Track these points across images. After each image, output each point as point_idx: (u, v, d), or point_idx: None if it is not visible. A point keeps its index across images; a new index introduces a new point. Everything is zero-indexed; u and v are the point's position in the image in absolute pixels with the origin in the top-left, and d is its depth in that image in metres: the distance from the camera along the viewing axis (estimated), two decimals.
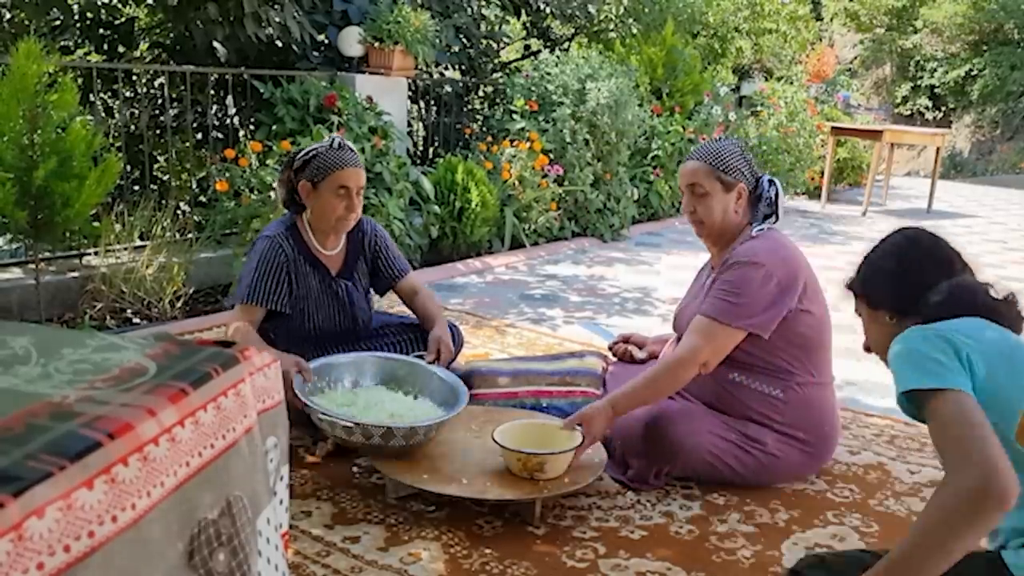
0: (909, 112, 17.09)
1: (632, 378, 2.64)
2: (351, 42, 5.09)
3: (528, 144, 5.61)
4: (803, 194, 9.36)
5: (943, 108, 16.79)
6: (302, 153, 2.52)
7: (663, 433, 2.23)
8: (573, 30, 8.07)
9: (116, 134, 4.53)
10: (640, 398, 2.24)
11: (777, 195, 2.36)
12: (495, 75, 7.27)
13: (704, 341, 2.20)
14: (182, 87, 4.56)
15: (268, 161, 4.20)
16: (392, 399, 2.37)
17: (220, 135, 4.93)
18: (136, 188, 4.62)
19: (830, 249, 6.37)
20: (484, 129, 6.23)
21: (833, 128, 8.76)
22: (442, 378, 2.45)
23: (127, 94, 5.26)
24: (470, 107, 6.86)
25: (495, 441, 2.13)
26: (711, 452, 2.26)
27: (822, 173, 8.92)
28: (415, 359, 2.54)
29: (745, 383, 2.29)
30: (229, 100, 4.87)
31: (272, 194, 3.96)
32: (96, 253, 3.83)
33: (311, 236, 2.58)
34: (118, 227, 3.88)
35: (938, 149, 9.03)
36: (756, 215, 2.38)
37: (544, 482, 2.09)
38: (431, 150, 6.38)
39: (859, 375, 3.45)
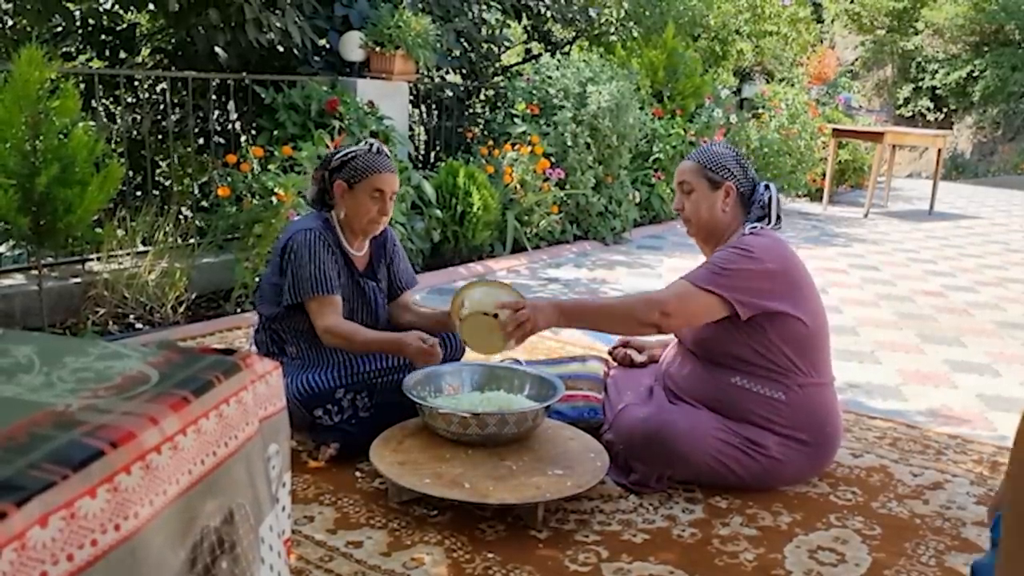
0: (910, 113, 17.10)
1: (634, 380, 2.64)
2: (352, 47, 5.10)
3: (529, 148, 5.62)
4: (805, 196, 9.36)
5: (944, 109, 16.79)
6: (340, 154, 2.58)
7: (666, 438, 2.23)
8: (574, 33, 8.08)
9: (118, 140, 4.54)
10: (588, 317, 2.35)
11: (771, 200, 2.37)
12: (496, 79, 7.28)
13: (673, 297, 2.24)
14: (184, 92, 4.57)
15: (270, 166, 4.21)
16: (495, 397, 2.46)
17: (222, 140, 4.94)
18: (138, 194, 4.63)
19: (832, 251, 6.36)
20: (485, 133, 6.23)
21: (834, 130, 8.76)
22: (533, 375, 2.55)
23: (129, 100, 5.27)
24: (471, 111, 6.87)
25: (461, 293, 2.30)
26: (714, 457, 2.26)
27: (824, 175, 8.92)
28: (511, 363, 2.68)
29: (746, 386, 2.29)
30: (231, 105, 4.88)
31: (274, 199, 3.97)
32: (98, 259, 3.84)
33: (341, 235, 2.63)
34: (120, 233, 3.89)
35: (939, 151, 9.03)
36: (749, 217, 2.40)
37: (544, 486, 2.10)
38: (432, 154, 6.39)
39: (861, 377, 3.45)
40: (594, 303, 2.33)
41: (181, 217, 4.40)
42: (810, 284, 2.37)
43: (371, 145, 2.58)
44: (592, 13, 7.56)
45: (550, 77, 6.06)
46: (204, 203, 4.89)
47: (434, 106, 6.38)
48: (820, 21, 16.47)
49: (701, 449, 2.25)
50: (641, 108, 6.59)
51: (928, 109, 16.89)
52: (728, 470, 2.28)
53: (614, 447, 2.33)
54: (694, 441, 2.24)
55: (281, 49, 5.20)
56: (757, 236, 2.31)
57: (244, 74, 4.77)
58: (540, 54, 7.86)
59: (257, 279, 3.99)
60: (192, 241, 4.24)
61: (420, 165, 6.07)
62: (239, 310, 3.98)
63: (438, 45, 5.51)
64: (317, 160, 4.26)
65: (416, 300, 2.90)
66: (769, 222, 2.37)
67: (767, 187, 2.40)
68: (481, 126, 6.51)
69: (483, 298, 2.24)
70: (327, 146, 4.39)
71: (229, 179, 4.19)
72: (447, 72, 6.88)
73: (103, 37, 5.41)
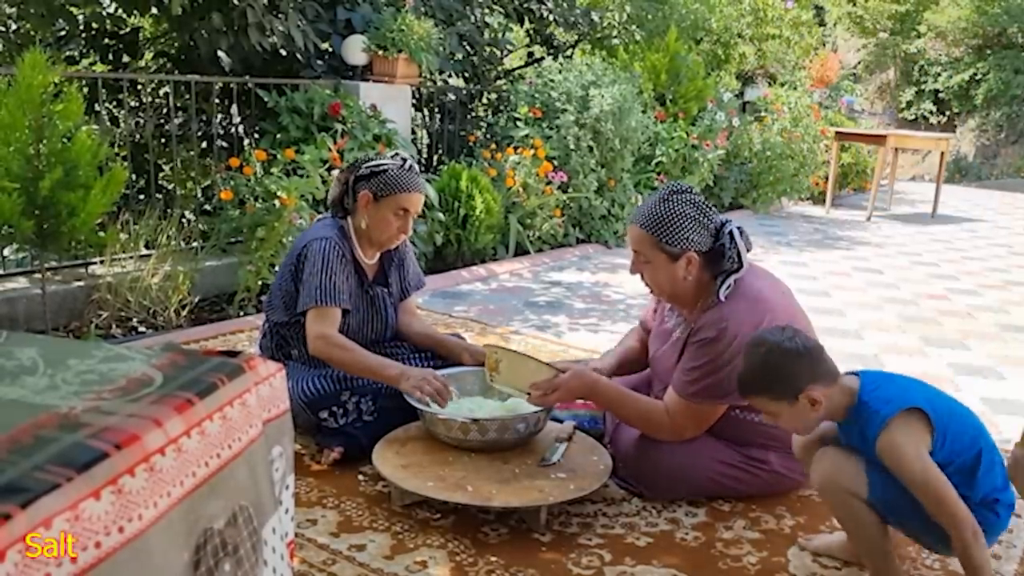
0: (913, 117, 17.07)
1: (629, 391, 2.57)
2: (355, 50, 5.10)
3: (532, 151, 5.62)
4: (807, 199, 9.35)
5: (947, 112, 16.76)
6: (370, 162, 2.55)
7: (662, 465, 2.23)
8: (576, 37, 8.08)
9: (121, 143, 4.55)
10: (616, 411, 2.32)
11: (735, 242, 2.16)
12: (499, 82, 7.29)
13: (689, 422, 2.19)
14: (187, 96, 4.58)
15: (272, 170, 4.21)
16: (496, 402, 2.45)
17: (225, 144, 4.95)
18: (141, 197, 4.63)
19: (835, 254, 6.36)
20: (488, 136, 6.23)
21: (837, 133, 8.75)
22: None
23: (132, 104, 5.28)
24: (474, 114, 6.87)
25: (489, 347, 2.37)
26: (714, 479, 2.25)
27: (826, 178, 8.91)
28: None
29: (745, 418, 2.23)
30: (234, 109, 4.89)
31: (276, 202, 3.97)
32: (102, 262, 3.85)
33: (355, 242, 2.61)
34: (123, 236, 3.89)
35: (942, 153, 9.01)
36: (719, 270, 2.17)
37: (547, 489, 2.10)
38: (435, 158, 6.39)
39: None
40: (622, 395, 2.27)
41: (184, 221, 4.41)
42: (789, 306, 2.23)
43: (404, 160, 2.55)
44: (594, 16, 7.56)
45: (552, 80, 6.06)
46: (207, 207, 4.90)
47: (437, 109, 6.38)
48: (822, 24, 16.48)
49: (700, 473, 2.24)
50: (644, 111, 6.59)
51: (931, 112, 16.86)
52: (729, 487, 2.27)
53: (616, 461, 2.32)
54: (692, 465, 2.23)
55: (284, 53, 5.21)
56: (729, 304, 2.13)
57: (247, 78, 4.78)
58: (542, 57, 7.87)
59: (260, 282, 4.00)
60: (195, 245, 4.24)
61: (423, 168, 6.07)
62: (242, 313, 3.98)
63: (441, 49, 5.52)
64: (320, 163, 4.26)
65: (419, 304, 2.89)
66: (740, 267, 2.16)
67: (728, 232, 2.17)
68: (484, 129, 6.51)
69: (518, 373, 2.29)
70: (330, 149, 4.39)
71: (232, 183, 4.19)
72: (450, 76, 6.88)
73: (106, 41, 5.42)
